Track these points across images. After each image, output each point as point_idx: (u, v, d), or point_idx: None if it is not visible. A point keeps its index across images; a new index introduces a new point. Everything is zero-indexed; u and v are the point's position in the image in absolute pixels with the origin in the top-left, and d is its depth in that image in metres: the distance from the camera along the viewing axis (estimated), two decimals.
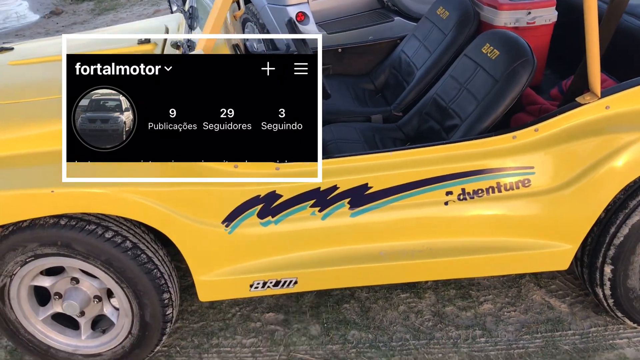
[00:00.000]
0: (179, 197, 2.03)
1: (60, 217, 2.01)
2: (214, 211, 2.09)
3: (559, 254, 2.23)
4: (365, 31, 4.21)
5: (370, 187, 2.17)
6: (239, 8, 2.97)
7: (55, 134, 2.04)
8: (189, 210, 2.05)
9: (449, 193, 2.18)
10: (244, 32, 4.98)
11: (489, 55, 2.44)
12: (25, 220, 2.00)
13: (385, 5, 4.42)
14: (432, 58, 2.91)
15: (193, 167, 2.08)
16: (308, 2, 4.17)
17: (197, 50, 1.88)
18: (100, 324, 2.33)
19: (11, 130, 2.06)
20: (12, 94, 2.24)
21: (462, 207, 2.19)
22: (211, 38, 1.97)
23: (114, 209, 1.97)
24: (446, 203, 2.19)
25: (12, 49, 2.74)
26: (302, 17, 4.14)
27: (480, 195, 2.19)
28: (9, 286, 2.10)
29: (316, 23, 4.19)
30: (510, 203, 2.20)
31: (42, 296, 2.25)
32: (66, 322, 2.29)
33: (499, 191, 2.19)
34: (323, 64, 3.33)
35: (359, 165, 2.18)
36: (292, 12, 4.14)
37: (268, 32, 4.46)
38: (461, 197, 2.18)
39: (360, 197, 2.17)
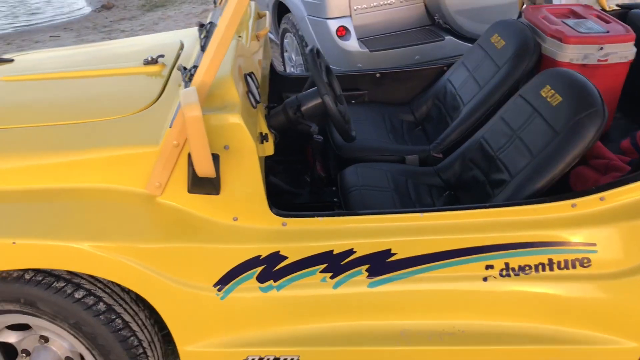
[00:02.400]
0: (164, 255, 1.72)
1: (25, 270, 1.73)
2: (205, 272, 1.77)
3: (622, 352, 1.82)
4: (411, 50, 3.83)
5: (394, 254, 1.81)
6: (265, 25, 2.65)
7: (25, 170, 1.77)
8: (175, 271, 1.74)
9: (489, 267, 1.81)
10: (282, 43, 4.68)
11: (549, 99, 2.04)
12: None
13: (436, 23, 4.03)
14: (482, 93, 2.51)
15: (181, 215, 1.77)
16: (351, 15, 3.82)
17: (190, 89, 1.56)
18: None
19: None
20: None
21: (505, 285, 1.82)
22: (207, 75, 1.64)
23: (85, 267, 1.67)
24: (485, 279, 1.81)
25: (11, 60, 2.49)
26: (343, 31, 3.80)
27: (527, 272, 1.80)
28: None
29: (358, 39, 3.83)
30: (564, 285, 1.81)
31: (11, 351, 1.98)
32: None
33: (551, 269, 1.80)
34: (358, 90, 2.98)
35: (381, 227, 1.83)
36: (333, 25, 3.80)
37: (306, 45, 4.14)
38: (504, 273, 1.80)
39: (381, 264, 1.81)
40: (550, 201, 1.82)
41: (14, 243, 1.62)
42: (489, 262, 1.81)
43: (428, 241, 1.80)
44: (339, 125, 2.02)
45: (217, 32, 1.63)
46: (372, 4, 3.85)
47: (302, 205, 2.48)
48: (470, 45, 3.75)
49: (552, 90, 2.04)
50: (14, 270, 1.72)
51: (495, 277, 1.81)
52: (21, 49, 7.44)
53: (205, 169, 1.58)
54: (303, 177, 2.71)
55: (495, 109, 2.41)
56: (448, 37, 3.86)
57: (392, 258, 1.81)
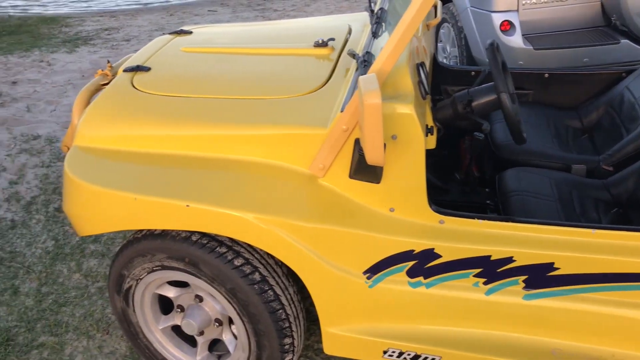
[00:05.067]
0: (319, 235, 1.74)
1: (193, 232, 1.84)
2: (356, 258, 1.77)
3: None
4: (580, 51, 3.57)
5: (557, 269, 1.70)
6: (435, 15, 2.58)
7: (201, 139, 1.87)
8: (328, 252, 1.76)
9: None
10: (438, 33, 4.57)
11: None
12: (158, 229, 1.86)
13: (612, 24, 3.72)
14: None
15: (340, 199, 1.78)
16: (518, 10, 3.63)
17: (371, 75, 1.55)
18: (217, 346, 2.16)
19: (165, 127, 1.91)
20: (173, 85, 2.10)
21: None
22: (387, 64, 1.62)
23: (247, 237, 1.73)
24: None
25: (190, 32, 2.64)
26: (507, 26, 3.63)
27: None
28: (134, 289, 1.99)
29: (523, 35, 3.64)
30: None
31: (167, 305, 2.12)
32: (185, 336, 2.15)
33: None
34: (523, 89, 2.84)
35: (547, 238, 1.73)
36: (497, 19, 3.64)
37: (465, 37, 4.01)
38: None
39: (541, 277, 1.72)
40: None
41: (187, 206, 1.72)
42: None
43: (597, 260, 1.67)
44: (513, 125, 1.92)
45: (402, 21, 1.60)
46: (542, 0, 3.63)
47: (451, 204, 2.41)
48: None
49: None
50: (183, 231, 1.83)
51: None
52: (182, 20, 7.91)
53: (376, 157, 1.57)
54: (453, 174, 2.63)
55: None
56: (624, 41, 3.54)
57: (555, 272, 1.71)
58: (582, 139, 2.64)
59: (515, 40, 3.60)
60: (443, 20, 4.38)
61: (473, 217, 1.76)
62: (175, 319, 2.07)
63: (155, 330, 2.10)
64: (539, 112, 2.75)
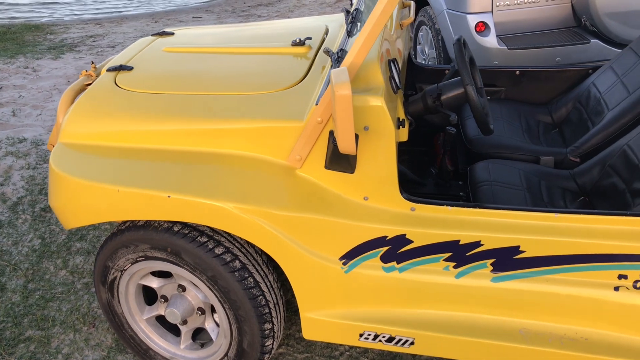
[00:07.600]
0: (297, 224, 1.82)
1: (174, 222, 1.91)
2: (332, 245, 1.85)
3: None
4: (552, 51, 3.69)
5: (523, 252, 1.79)
6: (409, 15, 2.68)
7: (183, 133, 1.94)
8: (305, 240, 1.84)
9: (622, 277, 1.74)
10: (416, 36, 4.68)
11: None
12: (141, 220, 1.93)
13: (582, 25, 3.85)
14: (630, 100, 2.39)
15: (316, 189, 1.86)
16: (492, 11, 3.75)
17: (342, 68, 1.64)
18: (200, 336, 2.23)
19: (147, 122, 1.99)
20: (155, 83, 2.18)
21: (638, 298, 1.74)
22: (358, 57, 1.71)
23: (227, 226, 1.81)
24: (616, 288, 1.75)
25: (172, 34, 2.71)
26: (482, 27, 3.74)
27: None
28: (119, 280, 2.06)
29: (497, 36, 3.76)
30: None
31: (151, 296, 2.19)
32: (169, 326, 2.22)
33: None
34: (495, 86, 2.94)
35: (512, 223, 1.82)
36: (473, 20, 3.75)
37: (442, 39, 4.12)
38: (639, 285, 1.73)
39: (507, 260, 1.80)
40: None
41: (168, 197, 1.80)
42: (623, 272, 1.74)
43: (560, 242, 1.77)
44: (479, 117, 2.02)
45: (372, 16, 1.69)
46: (516, 1, 3.75)
47: (426, 196, 2.50)
48: (618, 50, 3.58)
49: None
50: (165, 222, 1.90)
51: (628, 288, 1.74)
52: (166, 26, 7.99)
53: (347, 145, 1.65)
54: (428, 168, 2.72)
55: None
56: (594, 41, 3.67)
57: (520, 255, 1.80)
58: (552, 133, 2.75)
59: (490, 40, 3.71)
60: (421, 23, 4.49)
61: (442, 204, 1.85)
62: (159, 309, 2.13)
63: (140, 320, 2.17)
64: (511, 108, 2.85)
